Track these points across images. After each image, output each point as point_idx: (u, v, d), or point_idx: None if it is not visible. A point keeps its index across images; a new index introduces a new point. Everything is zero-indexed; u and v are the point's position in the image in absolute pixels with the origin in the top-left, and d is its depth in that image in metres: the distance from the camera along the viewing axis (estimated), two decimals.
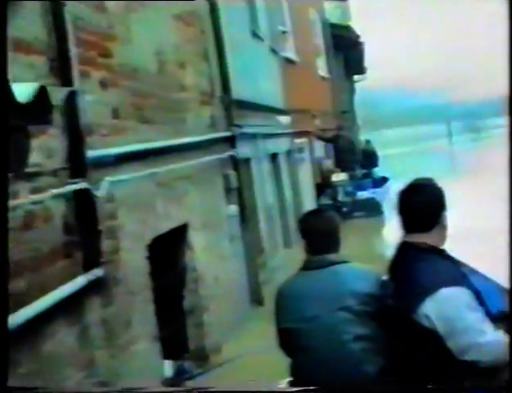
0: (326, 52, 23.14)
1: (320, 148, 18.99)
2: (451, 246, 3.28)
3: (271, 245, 10.68)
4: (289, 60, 16.12)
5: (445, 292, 2.96)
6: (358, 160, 18.36)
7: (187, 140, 6.65)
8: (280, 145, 13.23)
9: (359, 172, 20.04)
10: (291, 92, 15.29)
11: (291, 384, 3.44)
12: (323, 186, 17.16)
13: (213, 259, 7.09)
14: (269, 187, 11.06)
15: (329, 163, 18.80)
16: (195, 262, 6.58)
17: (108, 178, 4.77)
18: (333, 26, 24.17)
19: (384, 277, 3.39)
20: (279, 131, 12.80)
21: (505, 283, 3.13)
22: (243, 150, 9.20)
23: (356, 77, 37.12)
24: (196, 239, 6.68)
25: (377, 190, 18.12)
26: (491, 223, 11.65)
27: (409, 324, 3.03)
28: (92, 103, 4.77)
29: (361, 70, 35.15)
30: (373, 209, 16.33)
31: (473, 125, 66.65)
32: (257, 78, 11.48)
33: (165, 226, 5.96)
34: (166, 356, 5.83)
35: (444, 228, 3.24)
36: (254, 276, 8.62)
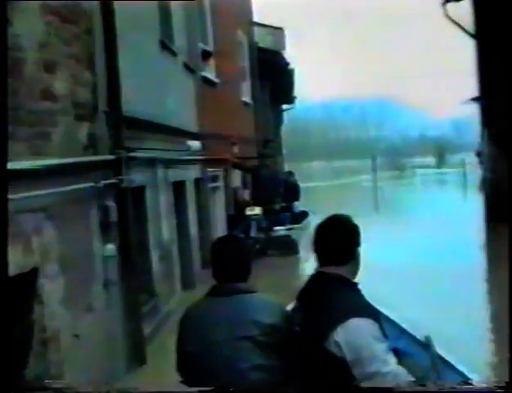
0: (252, 77, 22.00)
1: (237, 177, 17.75)
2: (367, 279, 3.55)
3: (167, 287, 9.28)
4: (207, 81, 14.87)
5: (355, 322, 3.08)
6: (279, 192, 17.06)
7: (47, 162, 5.22)
8: (189, 172, 11.88)
9: (278, 205, 18.91)
10: (207, 116, 14.04)
11: None
12: (237, 219, 15.88)
13: (74, 314, 5.64)
14: (168, 220, 9.67)
15: (246, 193, 17.59)
16: (44, 319, 5.12)
17: None
18: (261, 51, 23.08)
19: (289, 308, 3.54)
20: (187, 157, 11.46)
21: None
22: (135, 177, 7.83)
23: (284, 106, 36.38)
24: (50, 289, 5.23)
25: (295, 226, 16.92)
26: (406, 259, 12.58)
27: (318, 351, 3.10)
28: None
29: (289, 99, 34.30)
30: (288, 247, 15.16)
31: (397, 162, 67.26)
32: (163, 96, 10.16)
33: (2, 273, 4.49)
34: None
35: (357, 262, 3.39)
36: (136, 328, 7.20)
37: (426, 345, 3.96)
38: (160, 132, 9.63)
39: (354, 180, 50.84)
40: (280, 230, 16.02)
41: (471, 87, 18.37)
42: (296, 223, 17.18)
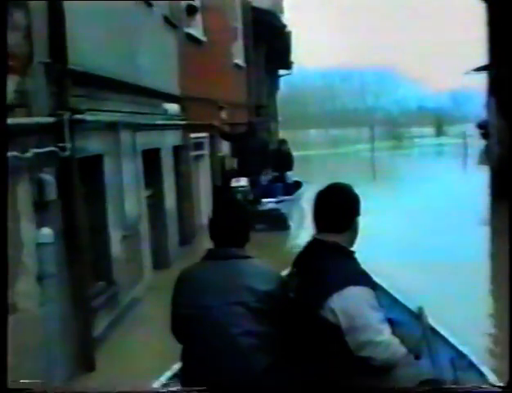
0: (245, 39, 20.59)
1: (225, 145, 16.46)
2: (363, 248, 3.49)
3: (131, 272, 8.06)
4: (193, 39, 13.51)
5: (351, 290, 3.09)
6: (267, 162, 15.64)
7: None
8: (165, 139, 10.60)
9: (268, 176, 17.66)
10: (192, 77, 12.74)
11: (181, 371, 3.48)
12: (224, 190, 14.62)
13: None
14: (135, 194, 8.41)
15: (235, 163, 16.32)
16: None
17: None
18: (256, 11, 21.59)
19: (285, 273, 3.60)
20: (162, 122, 10.17)
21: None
22: (89, 144, 6.59)
23: (281, 71, 34.99)
24: None
25: (287, 197, 15.63)
26: (403, 229, 12.32)
27: (313, 318, 3.11)
28: None
29: (286, 65, 32.87)
30: (278, 222, 13.90)
31: (394, 132, 66.45)
32: (133, 51, 8.85)
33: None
34: None
35: (355, 231, 3.39)
36: (82, 327, 5.99)
37: (418, 316, 3.91)
38: (128, 92, 8.34)
39: (351, 149, 49.99)
40: (269, 202, 14.69)
41: (472, 58, 17.71)
42: (288, 195, 15.89)
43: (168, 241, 10.19)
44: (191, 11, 13.61)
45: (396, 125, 70.48)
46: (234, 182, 14.12)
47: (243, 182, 14.13)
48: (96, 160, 7.03)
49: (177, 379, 3.74)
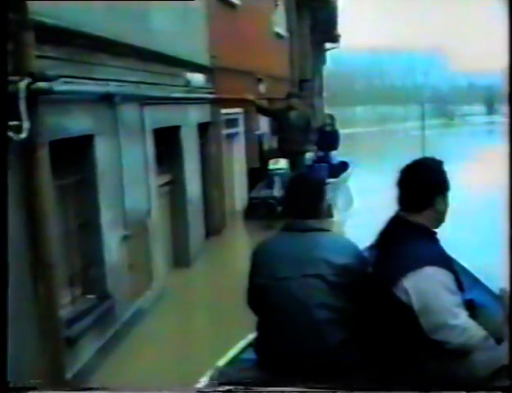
0: (287, 5, 18.86)
1: (263, 121, 14.84)
2: None
3: (136, 279, 6.55)
4: (224, 1, 11.87)
5: (428, 270, 3.01)
6: (309, 140, 13.92)
7: None
8: (187, 115, 9.03)
9: (311, 156, 16.03)
10: (225, 45, 11.13)
11: (256, 340, 3.51)
12: (262, 172, 13.05)
13: None
14: (143, 184, 6.89)
15: (275, 142, 14.75)
16: None
17: None
18: None
19: (366, 248, 3.60)
20: (183, 95, 8.60)
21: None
22: (71, 122, 5.08)
23: (327, 45, 33.20)
24: None
25: (332, 180, 13.89)
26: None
27: (387, 296, 3.06)
28: None
29: (333, 38, 31.04)
30: None
31: (445, 110, 64.57)
32: (144, 9, 7.30)
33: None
34: None
35: (437, 211, 3.24)
36: (51, 367, 4.49)
37: (501, 297, 3.59)
38: (136, 57, 6.79)
39: (400, 127, 48.14)
40: None
41: None
42: (333, 177, 14.19)
43: (188, 236, 8.67)
44: None
45: (445, 103, 68.58)
46: (272, 164, 12.53)
47: (282, 163, 12.52)
48: (84, 143, 5.50)
49: (252, 349, 3.65)
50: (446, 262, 3.13)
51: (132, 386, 3.13)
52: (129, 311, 6.28)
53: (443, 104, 67.31)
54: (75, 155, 5.41)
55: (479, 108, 69.99)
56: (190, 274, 8.51)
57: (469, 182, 15.46)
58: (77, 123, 5.23)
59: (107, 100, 5.88)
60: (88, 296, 5.71)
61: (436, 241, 3.24)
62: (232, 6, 12.38)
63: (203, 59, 9.96)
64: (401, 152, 23.22)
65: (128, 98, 6.44)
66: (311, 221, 3.39)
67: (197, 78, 8.90)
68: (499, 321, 3.30)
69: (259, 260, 3.47)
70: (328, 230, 3.48)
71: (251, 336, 3.89)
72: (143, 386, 3.44)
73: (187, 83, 8.65)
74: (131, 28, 6.70)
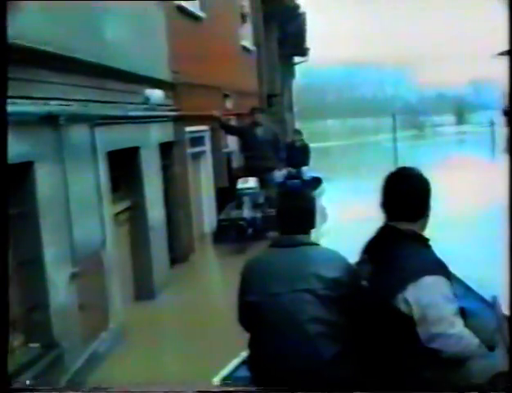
0: (253, 18, 18.33)
1: (233, 139, 14.22)
2: None
3: (89, 320, 5.86)
4: (187, 13, 11.27)
5: (427, 280, 3.01)
6: (280, 157, 13.30)
7: None
8: (147, 135, 8.38)
9: (282, 172, 15.46)
10: (188, 60, 10.53)
11: (249, 358, 3.49)
12: (231, 192, 12.39)
13: None
14: (96, 212, 6.22)
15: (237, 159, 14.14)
16: None
17: None
18: None
19: (354, 261, 3.43)
20: (141, 113, 7.95)
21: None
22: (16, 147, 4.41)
23: (296, 59, 32.85)
24: None
25: None
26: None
27: (385, 307, 3.04)
28: None
29: (301, 51, 30.63)
30: None
31: (415, 121, 64.93)
32: (95, 22, 6.67)
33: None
34: None
35: (428, 217, 3.29)
36: None
37: (492, 305, 3.59)
38: (85, 74, 6.14)
39: (371, 139, 47.94)
40: None
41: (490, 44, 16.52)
42: None
43: (151, 265, 8.00)
44: None
45: (416, 114, 68.94)
46: (241, 183, 11.89)
47: (251, 182, 11.89)
48: (22, 171, 4.82)
49: (245, 366, 3.61)
50: (443, 270, 3.12)
51: (132, 386, 3.02)
52: (82, 358, 5.58)
53: (414, 115, 67.59)
54: (12, 186, 4.73)
55: (449, 118, 70.61)
56: (154, 308, 7.83)
57: (444, 192, 15.13)
58: (12, 149, 4.56)
59: (50, 121, 5.21)
60: (32, 345, 5.01)
61: (430, 248, 3.22)
62: (196, 18, 11.80)
63: (163, 74, 9.34)
64: (375, 165, 22.95)
65: (76, 119, 5.78)
66: (300, 236, 3.42)
67: (157, 94, 8.24)
68: (490, 329, 3.29)
69: (250, 277, 3.47)
70: (317, 244, 3.48)
71: (244, 354, 3.84)
72: (143, 387, 3.37)
73: (146, 101, 8.00)
74: (79, 40, 6.07)
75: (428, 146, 40.07)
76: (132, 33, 8.00)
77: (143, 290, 7.86)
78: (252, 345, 3.44)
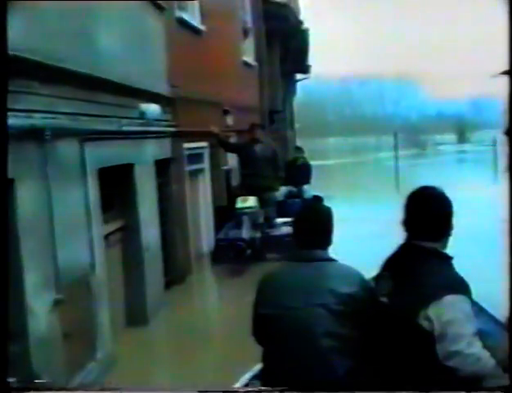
0: (255, 33, 18.00)
1: (233, 156, 13.83)
2: None
3: (76, 349, 5.44)
4: (187, 26, 10.92)
5: (450, 298, 3.01)
6: (279, 175, 12.92)
7: None
8: (142, 151, 7.99)
9: (283, 191, 15.13)
10: (188, 74, 10.19)
11: (262, 371, 3.49)
12: (230, 211, 11.99)
13: None
14: (85, 234, 5.80)
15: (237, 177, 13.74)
16: None
17: None
18: (268, 3, 18.98)
19: (372, 276, 3.45)
20: (136, 128, 7.56)
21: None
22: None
23: (298, 76, 32.55)
24: None
25: None
26: None
27: (406, 324, 3.05)
28: None
29: (303, 68, 30.30)
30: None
31: (416, 140, 64.90)
32: (90, 32, 6.30)
33: None
34: None
35: (450, 236, 3.30)
36: None
37: (506, 326, 3.59)
38: (76, 86, 5.74)
39: (372, 158, 47.77)
40: (284, 224, 12.01)
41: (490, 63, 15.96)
42: None
43: (145, 288, 7.59)
44: None
45: (416, 132, 68.85)
46: (240, 202, 11.50)
47: (251, 201, 11.52)
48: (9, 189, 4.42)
49: (258, 380, 3.61)
50: (466, 288, 3.11)
51: (132, 386, 3.06)
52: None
53: (415, 134, 67.44)
54: None
55: (450, 137, 70.66)
56: (147, 334, 7.42)
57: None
58: None
59: (33, 135, 4.81)
60: (9, 380, 4.58)
61: (452, 266, 3.21)
62: (197, 32, 11.45)
63: (161, 88, 8.96)
64: (376, 184, 22.61)
65: (64, 133, 5.38)
66: (317, 251, 3.43)
67: (153, 109, 7.86)
68: (504, 350, 3.22)
69: (265, 290, 3.48)
70: (334, 260, 3.47)
71: (257, 368, 3.80)
72: (143, 387, 3.44)
73: (141, 115, 7.61)
74: (70, 50, 5.69)
75: (429, 165, 39.88)
76: (130, 45, 7.65)
77: (136, 315, 7.45)
78: (266, 359, 3.44)
